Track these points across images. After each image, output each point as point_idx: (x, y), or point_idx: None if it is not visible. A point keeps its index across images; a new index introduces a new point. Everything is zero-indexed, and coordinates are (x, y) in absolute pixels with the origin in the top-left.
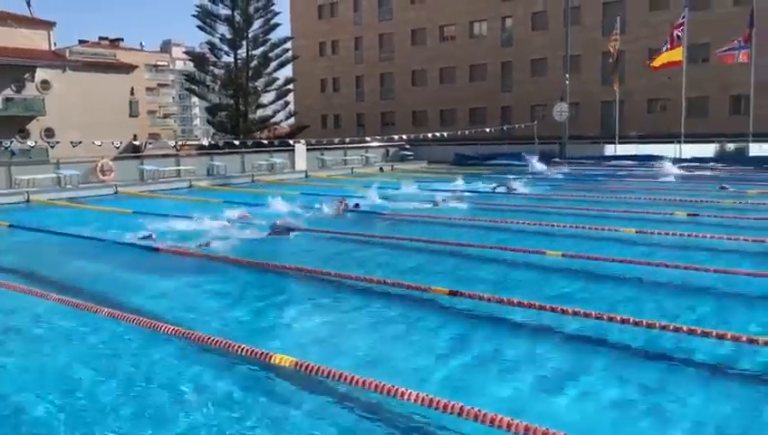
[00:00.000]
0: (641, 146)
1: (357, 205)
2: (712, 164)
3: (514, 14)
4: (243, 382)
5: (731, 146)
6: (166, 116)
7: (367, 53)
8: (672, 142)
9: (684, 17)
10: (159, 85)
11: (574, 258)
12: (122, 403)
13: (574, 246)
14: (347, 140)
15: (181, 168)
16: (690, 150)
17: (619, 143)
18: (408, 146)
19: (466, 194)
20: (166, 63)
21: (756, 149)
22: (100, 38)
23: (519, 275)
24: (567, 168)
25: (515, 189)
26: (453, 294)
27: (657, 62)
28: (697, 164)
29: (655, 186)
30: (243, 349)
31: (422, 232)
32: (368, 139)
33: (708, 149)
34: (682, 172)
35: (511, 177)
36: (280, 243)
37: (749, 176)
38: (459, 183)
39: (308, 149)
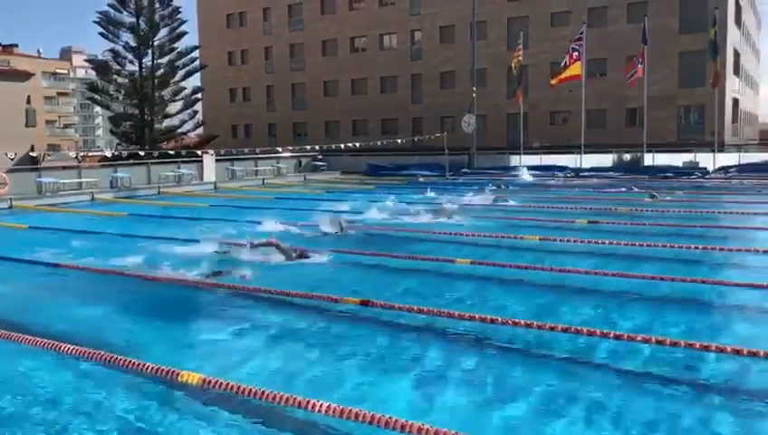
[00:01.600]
0: (545, 156)
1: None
2: (611, 173)
3: (423, 27)
4: (149, 401)
5: (627, 156)
6: (66, 126)
7: (278, 63)
8: (573, 153)
9: (582, 33)
10: (59, 94)
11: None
12: (27, 424)
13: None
14: (258, 150)
15: (83, 180)
16: (590, 160)
17: (524, 154)
18: (320, 156)
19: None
20: (66, 71)
21: (650, 159)
22: None
23: (431, 281)
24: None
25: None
26: (364, 304)
27: (556, 80)
28: (596, 173)
29: (560, 194)
30: (149, 367)
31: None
32: (279, 149)
33: (607, 159)
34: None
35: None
36: (307, 268)
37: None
38: (432, 194)
39: (217, 160)
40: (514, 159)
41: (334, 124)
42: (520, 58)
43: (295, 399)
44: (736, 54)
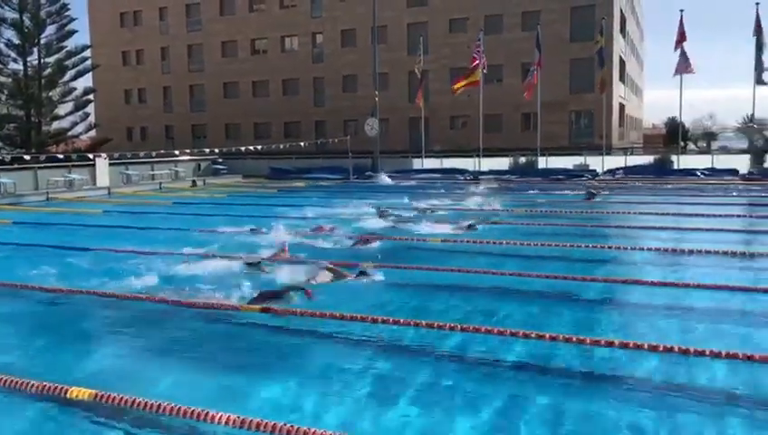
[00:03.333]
0: (445, 160)
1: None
2: (507, 176)
3: (324, 30)
4: (37, 422)
5: (523, 159)
6: None
7: (175, 64)
8: (472, 156)
9: (480, 40)
10: None
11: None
12: None
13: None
14: (154, 153)
15: None
16: (488, 164)
17: (426, 157)
18: (220, 160)
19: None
20: None
21: (543, 162)
22: None
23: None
24: (412, 181)
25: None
26: (265, 311)
27: (459, 86)
28: (493, 176)
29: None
30: (35, 386)
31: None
32: (176, 152)
33: (503, 163)
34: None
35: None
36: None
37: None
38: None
39: (111, 164)
40: (416, 163)
41: (235, 127)
42: (420, 63)
43: (193, 411)
44: (622, 62)
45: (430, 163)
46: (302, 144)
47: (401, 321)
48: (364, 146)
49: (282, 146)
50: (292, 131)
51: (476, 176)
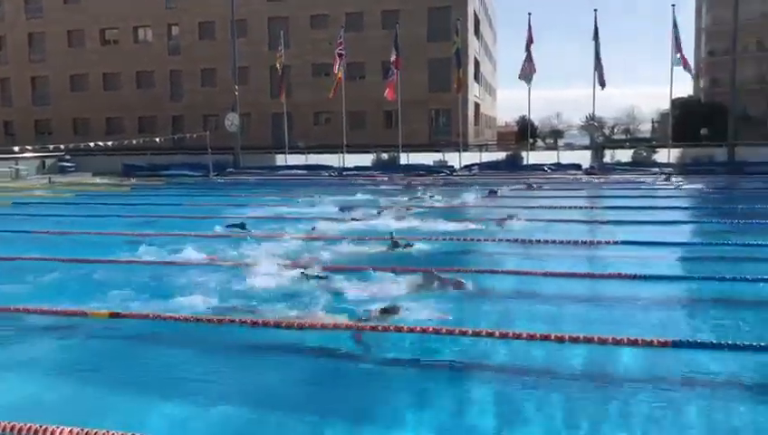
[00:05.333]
0: (310, 156)
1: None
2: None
3: (180, 22)
4: None
5: (385, 155)
6: None
7: (13, 54)
8: (336, 153)
9: (341, 37)
10: None
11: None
12: None
13: None
14: None
15: None
16: (352, 160)
17: (289, 153)
18: (68, 157)
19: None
20: None
21: (405, 159)
22: None
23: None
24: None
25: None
26: (114, 315)
27: (332, 91)
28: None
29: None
30: None
31: None
32: (16, 149)
33: (367, 159)
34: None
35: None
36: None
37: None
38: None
39: None
40: (280, 159)
41: (84, 122)
42: (282, 58)
43: (30, 427)
44: (477, 63)
45: (294, 159)
46: (158, 140)
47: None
48: (225, 142)
49: (135, 141)
50: (147, 126)
51: (341, 172)
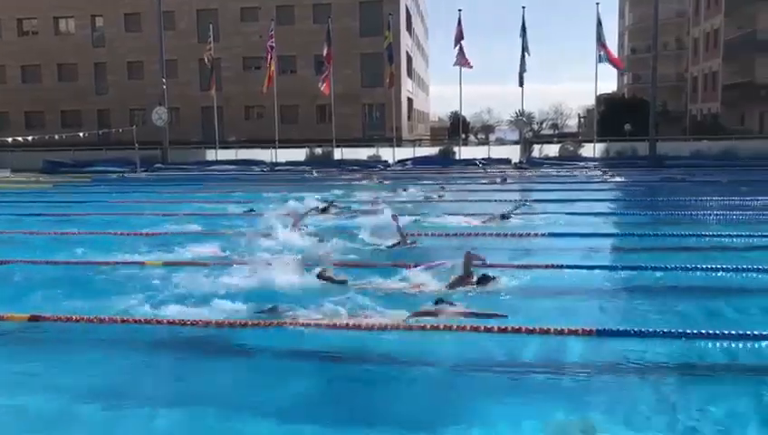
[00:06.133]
0: (241, 151)
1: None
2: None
3: (105, 13)
4: None
5: (319, 150)
6: None
7: None
8: (268, 148)
9: (272, 30)
10: None
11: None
12: None
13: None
14: None
15: None
16: (284, 155)
17: (220, 148)
18: None
19: None
20: None
21: (339, 154)
22: None
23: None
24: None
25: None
26: (34, 319)
27: (265, 87)
28: (290, 167)
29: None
30: None
31: None
32: None
33: (300, 154)
34: None
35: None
36: None
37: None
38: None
39: None
40: (210, 154)
41: (2, 116)
42: (211, 51)
43: None
44: (409, 58)
45: (225, 154)
46: (82, 135)
47: None
48: (153, 136)
49: (57, 136)
50: (70, 121)
51: (273, 167)
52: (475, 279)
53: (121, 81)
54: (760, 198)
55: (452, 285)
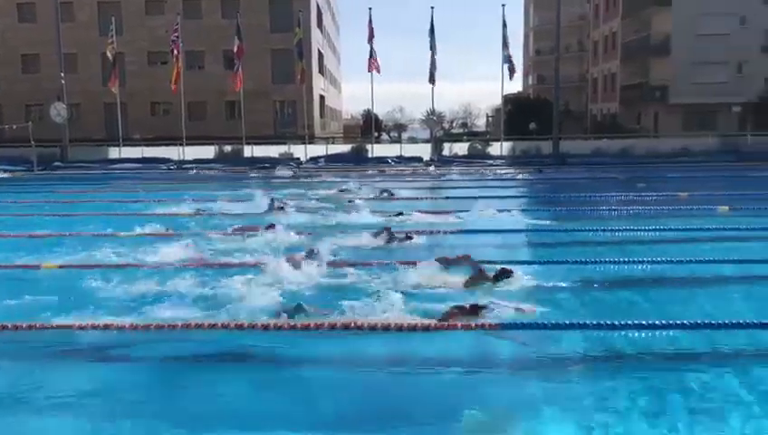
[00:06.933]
0: (146, 148)
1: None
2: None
3: None
4: None
5: (228, 148)
6: None
7: None
8: (176, 145)
9: (178, 24)
10: None
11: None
12: None
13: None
14: None
15: None
16: (192, 153)
17: (124, 146)
18: None
19: None
20: None
21: (249, 151)
22: None
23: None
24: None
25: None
26: None
27: (174, 81)
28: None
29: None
30: None
31: None
32: None
33: (209, 152)
34: None
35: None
36: None
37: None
38: None
39: None
40: (114, 152)
41: None
42: (113, 45)
43: None
44: (321, 55)
45: (130, 152)
46: None
47: None
48: (52, 134)
49: None
50: None
51: (180, 165)
52: (491, 275)
53: (15, 75)
54: (654, 194)
55: (469, 283)
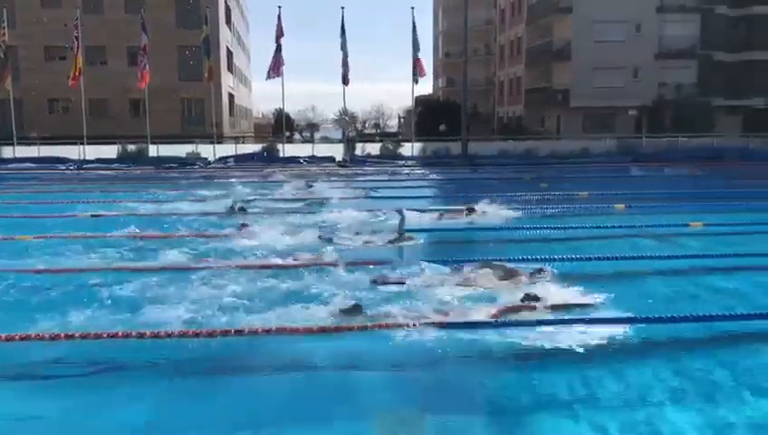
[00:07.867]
0: (43, 147)
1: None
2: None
3: None
4: None
5: (132, 147)
6: None
7: None
8: (76, 144)
9: (77, 19)
10: None
11: None
12: None
13: None
14: None
15: None
16: (94, 152)
17: (18, 145)
18: None
19: None
20: None
21: (155, 150)
22: None
23: None
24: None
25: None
26: None
27: (73, 79)
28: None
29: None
30: None
31: None
32: None
33: (111, 151)
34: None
35: None
36: None
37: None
38: None
39: None
40: (7, 151)
41: None
42: (4, 38)
43: None
44: (229, 53)
45: (25, 152)
46: None
47: None
48: None
49: None
50: None
51: (81, 165)
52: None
53: None
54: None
55: (503, 280)
